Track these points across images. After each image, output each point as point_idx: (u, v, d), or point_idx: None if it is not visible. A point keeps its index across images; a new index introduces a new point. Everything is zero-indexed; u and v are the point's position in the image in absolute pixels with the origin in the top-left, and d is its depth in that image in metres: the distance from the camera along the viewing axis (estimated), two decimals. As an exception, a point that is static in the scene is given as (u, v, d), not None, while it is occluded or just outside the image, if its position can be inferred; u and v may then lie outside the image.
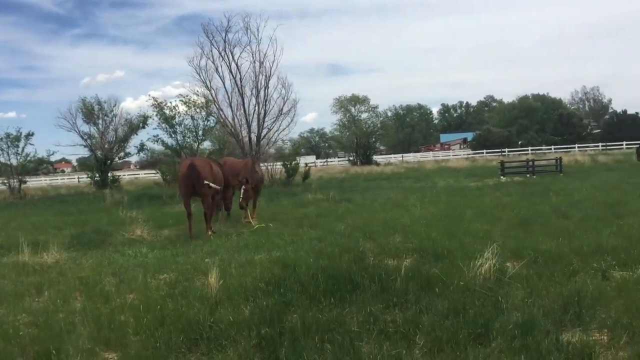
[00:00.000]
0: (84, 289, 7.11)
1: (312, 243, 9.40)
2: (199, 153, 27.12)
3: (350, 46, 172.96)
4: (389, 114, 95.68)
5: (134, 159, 62.03)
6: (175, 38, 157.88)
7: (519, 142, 74.39)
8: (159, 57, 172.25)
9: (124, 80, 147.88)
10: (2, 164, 30.50)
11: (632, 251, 7.16)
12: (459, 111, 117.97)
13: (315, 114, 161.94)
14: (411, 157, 70.91)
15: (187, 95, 27.70)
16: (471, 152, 71.89)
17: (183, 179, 11.94)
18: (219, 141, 31.44)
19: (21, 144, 30.22)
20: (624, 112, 75.20)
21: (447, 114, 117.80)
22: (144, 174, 59.08)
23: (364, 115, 63.57)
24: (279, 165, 28.70)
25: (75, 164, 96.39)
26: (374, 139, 63.80)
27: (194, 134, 27.40)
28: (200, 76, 28.63)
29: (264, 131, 29.07)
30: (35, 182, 47.85)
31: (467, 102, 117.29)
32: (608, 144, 62.49)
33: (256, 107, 28.91)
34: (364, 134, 60.45)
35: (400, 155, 73.83)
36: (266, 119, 28.99)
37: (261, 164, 21.37)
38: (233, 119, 28.88)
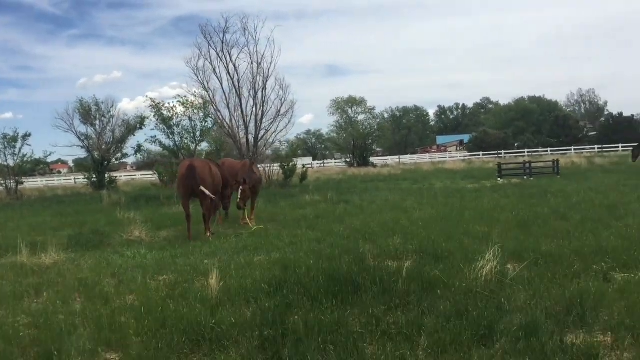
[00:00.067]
0: (84, 290, 7.07)
1: (312, 244, 9.37)
2: (196, 154, 27.09)
3: (348, 47, 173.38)
4: (386, 115, 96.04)
5: (130, 160, 62.13)
6: (173, 39, 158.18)
7: (515, 144, 74.59)
8: (156, 58, 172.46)
9: (121, 81, 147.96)
10: (-1, 164, 30.41)
11: (632, 253, 7.18)
12: (455, 113, 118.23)
13: (311, 115, 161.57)
14: (408, 158, 71.05)
15: (184, 96, 27.72)
16: (468, 154, 72.00)
17: (182, 180, 11.89)
18: (217, 142, 31.39)
19: (18, 145, 30.14)
20: (620, 114, 75.45)
21: (443, 116, 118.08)
22: (141, 175, 59.04)
23: (361, 117, 63.66)
24: (276, 167, 28.68)
25: (71, 164, 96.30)
26: (370, 141, 63.88)
27: (192, 135, 27.39)
28: (197, 77, 28.58)
29: (262, 132, 29.02)
30: (32, 183, 47.76)
31: (463, 104, 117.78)
32: (604, 146, 62.64)
33: (254, 108, 28.87)
34: (360, 135, 60.52)
35: (397, 156, 74.06)
36: (264, 120, 28.94)
37: (258, 165, 21.31)
38: (230, 120, 28.82)
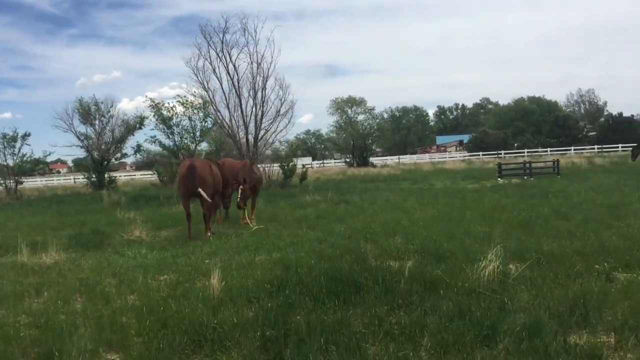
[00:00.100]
0: (84, 290, 7.05)
1: (312, 244, 9.35)
2: (196, 154, 27.08)
3: (347, 47, 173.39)
4: (385, 115, 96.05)
5: (129, 160, 62.10)
6: (172, 39, 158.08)
7: (515, 144, 74.58)
8: (155, 58, 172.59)
9: (120, 81, 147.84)
10: (-1, 164, 30.37)
11: (635, 253, 7.17)
12: (454, 113, 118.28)
13: (311, 115, 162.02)
14: (407, 158, 71.04)
15: (184, 96, 27.70)
16: (467, 154, 71.99)
17: (182, 179, 11.87)
18: (216, 142, 31.37)
19: (18, 145, 30.10)
20: (620, 114, 75.42)
21: (443, 116, 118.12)
22: (140, 175, 59.07)
23: (361, 117, 63.68)
24: (276, 167, 28.65)
25: (70, 164, 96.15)
26: (370, 141, 63.87)
27: (192, 135, 27.38)
28: (197, 77, 28.47)
29: (261, 132, 28.98)
30: (31, 183, 47.71)
31: (463, 104, 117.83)
32: (604, 146, 62.65)
33: (253, 109, 28.81)
34: (360, 135, 60.50)
35: (397, 157, 74.02)
36: (263, 120, 28.90)
37: (258, 165, 21.28)
38: (230, 120, 28.74)
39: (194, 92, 28.02)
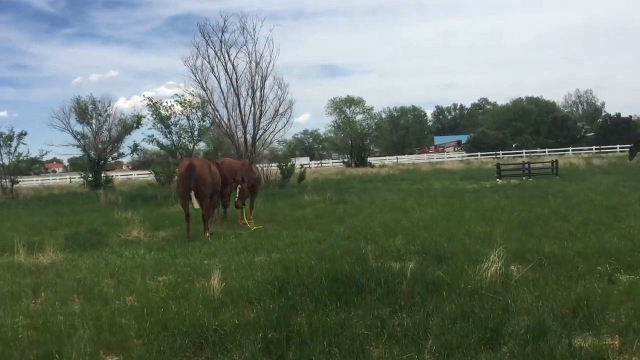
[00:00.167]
0: (82, 290, 6.97)
1: (312, 245, 9.29)
2: (194, 153, 27.00)
3: (346, 47, 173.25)
4: (384, 115, 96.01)
5: (126, 159, 61.82)
6: (170, 38, 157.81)
7: (513, 145, 74.64)
8: (152, 57, 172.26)
9: (117, 80, 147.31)
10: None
11: (636, 254, 7.14)
12: (453, 113, 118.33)
13: (309, 115, 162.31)
14: (405, 159, 71.08)
15: (182, 96, 27.60)
16: (465, 154, 72.03)
17: (181, 179, 11.80)
18: (214, 142, 31.28)
19: (14, 144, 29.93)
20: (618, 115, 75.51)
21: (441, 116, 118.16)
22: (137, 174, 58.83)
23: (359, 117, 63.77)
24: (274, 167, 28.58)
25: (66, 164, 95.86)
26: (368, 141, 63.90)
27: (190, 134, 27.29)
28: (195, 76, 28.37)
29: (260, 132, 28.90)
30: (27, 182, 47.42)
31: (461, 105, 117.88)
32: (602, 147, 62.75)
33: (252, 108, 28.72)
34: (358, 135, 60.50)
35: (395, 157, 74.01)
36: (262, 119, 28.82)
37: (256, 165, 21.21)
38: (228, 120, 28.67)
39: (192, 91, 27.99)
